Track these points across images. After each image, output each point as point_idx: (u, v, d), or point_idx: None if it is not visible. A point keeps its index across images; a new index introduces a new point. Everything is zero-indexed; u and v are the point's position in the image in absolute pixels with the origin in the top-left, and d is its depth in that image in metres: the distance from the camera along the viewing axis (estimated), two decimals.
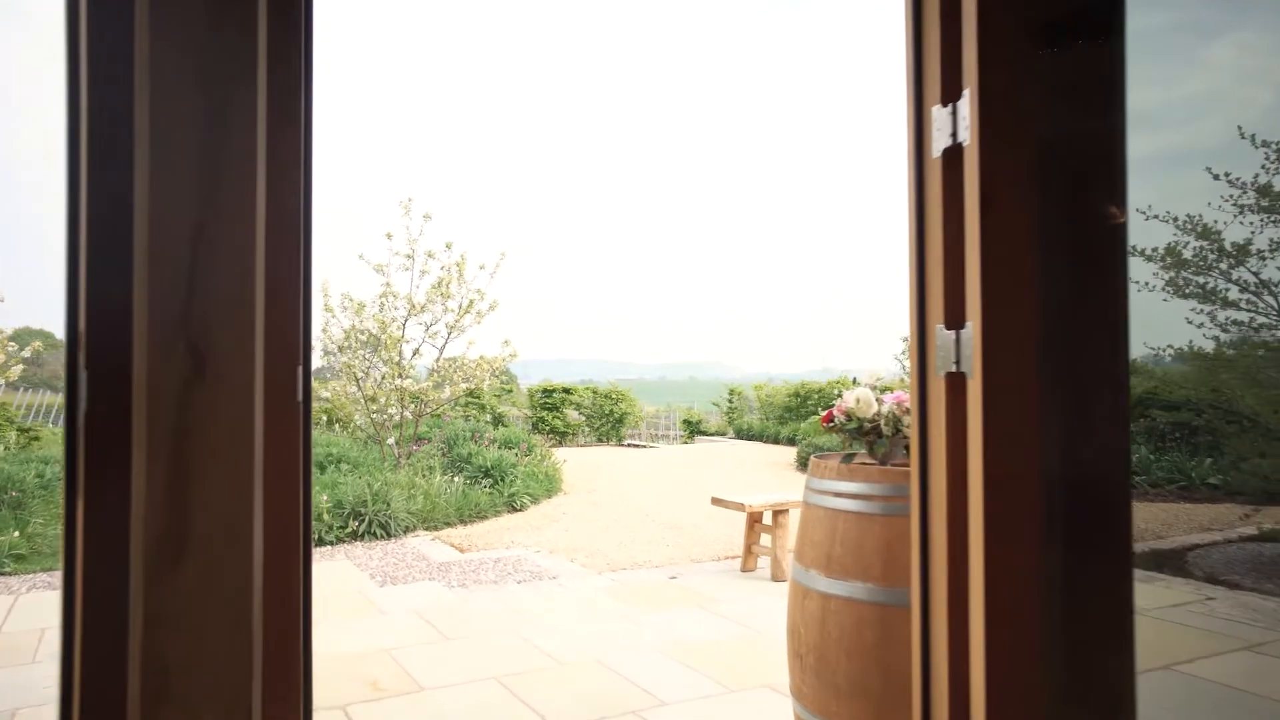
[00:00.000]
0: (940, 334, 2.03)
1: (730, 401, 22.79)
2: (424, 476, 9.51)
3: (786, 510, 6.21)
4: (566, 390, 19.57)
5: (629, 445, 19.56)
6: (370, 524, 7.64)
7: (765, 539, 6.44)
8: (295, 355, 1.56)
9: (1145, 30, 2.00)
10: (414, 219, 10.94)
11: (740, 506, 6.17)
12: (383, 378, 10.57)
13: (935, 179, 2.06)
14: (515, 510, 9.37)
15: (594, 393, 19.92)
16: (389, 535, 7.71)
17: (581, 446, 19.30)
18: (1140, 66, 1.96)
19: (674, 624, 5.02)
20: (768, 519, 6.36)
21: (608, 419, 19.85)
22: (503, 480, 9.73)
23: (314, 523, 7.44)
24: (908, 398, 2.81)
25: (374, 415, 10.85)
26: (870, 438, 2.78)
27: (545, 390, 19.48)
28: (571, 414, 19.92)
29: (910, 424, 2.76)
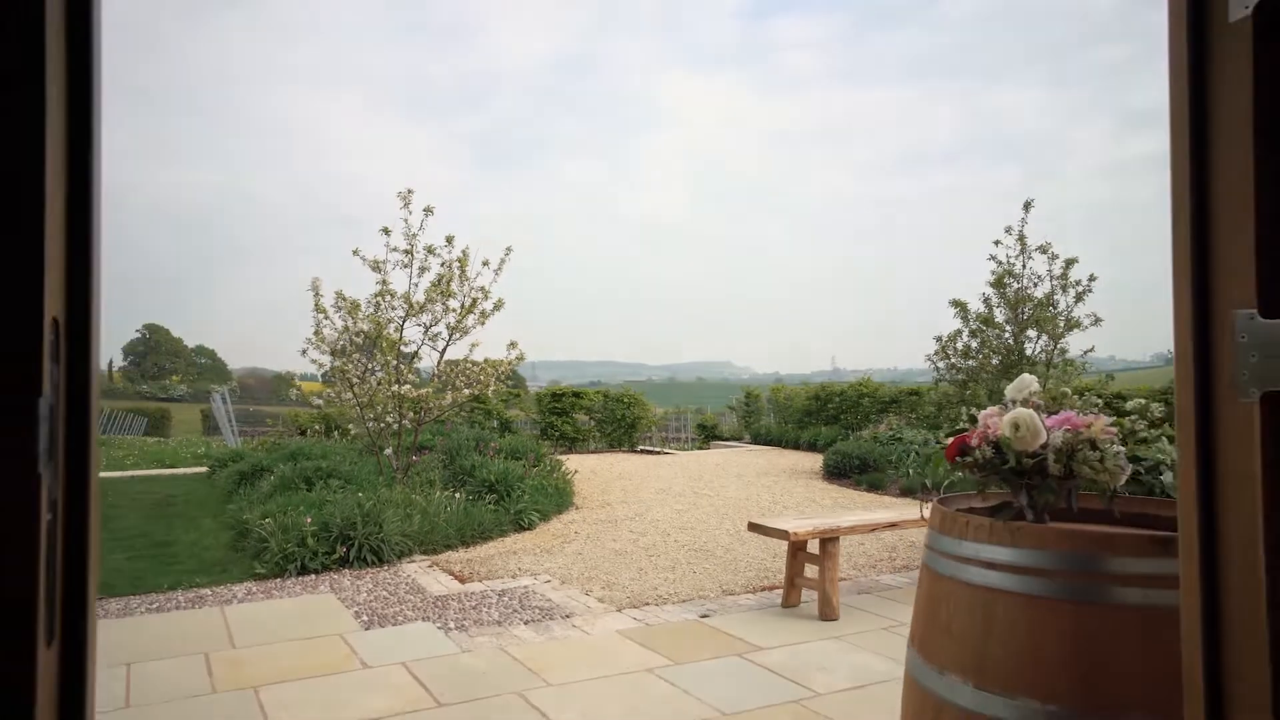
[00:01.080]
0: (1248, 325, 1.18)
1: (747, 404, 21.92)
2: (422, 492, 8.68)
3: (836, 538, 5.34)
4: (576, 394, 18.73)
5: (641, 451, 18.71)
6: (360, 549, 6.81)
7: (810, 569, 5.59)
8: (30, 374, 0.71)
9: None
10: (414, 213, 10.11)
11: (784, 534, 5.30)
12: (379, 383, 9.74)
13: (1235, 59, 1.20)
14: (522, 529, 8.53)
15: (605, 396, 19.07)
16: (381, 561, 6.87)
17: (592, 452, 18.46)
18: None
19: (713, 683, 4.16)
20: (813, 547, 5.51)
21: (619, 424, 19.00)
22: (509, 495, 8.88)
23: (298, 549, 6.63)
24: (1083, 421, 1.95)
25: (370, 424, 10.04)
26: (1032, 480, 1.93)
27: (554, 394, 18.65)
28: (582, 419, 19.08)
29: (1087, 460, 1.90)
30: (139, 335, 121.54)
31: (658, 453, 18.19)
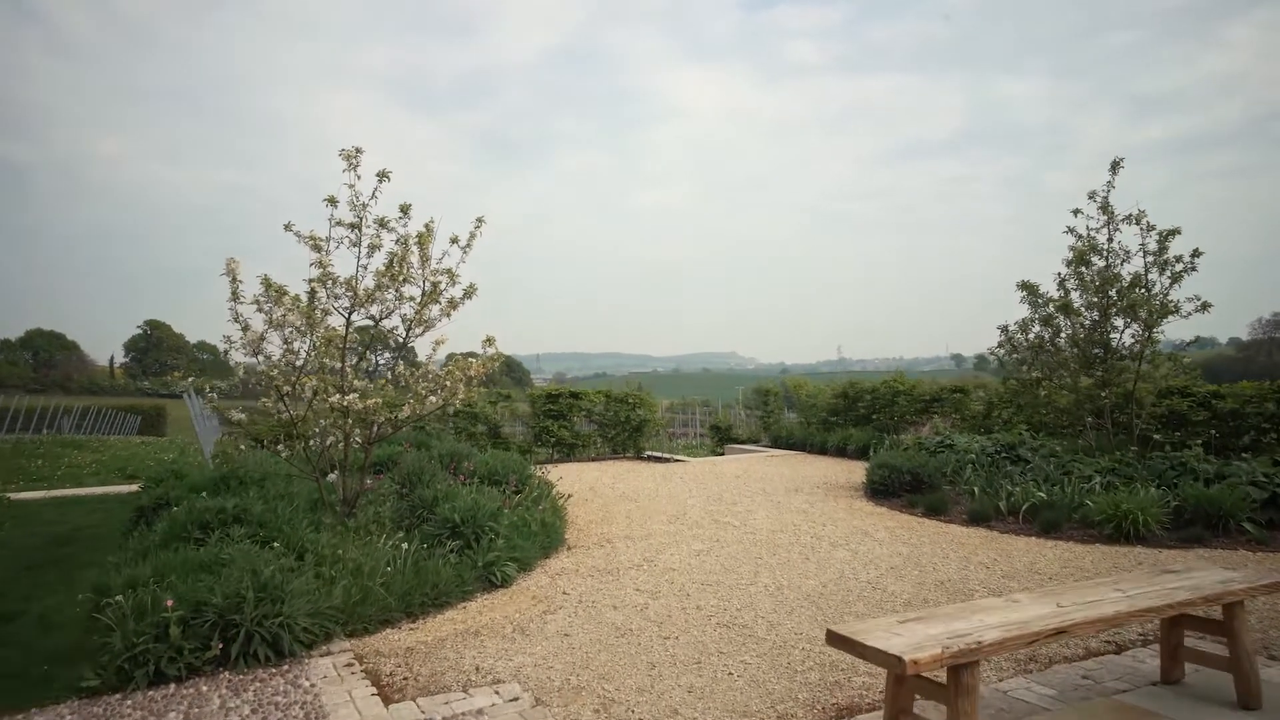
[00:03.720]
0: None
1: (766, 404, 19.79)
2: (363, 539, 6.63)
3: (976, 661, 3.24)
4: (574, 395, 16.63)
5: (649, 458, 16.63)
6: (249, 640, 4.74)
7: (926, 704, 3.50)
8: None
9: None
10: (365, 178, 8.01)
11: (891, 660, 3.17)
12: (315, 392, 7.67)
13: None
14: (494, 586, 6.45)
15: (607, 397, 16.96)
16: (280, 656, 4.80)
17: (593, 460, 16.39)
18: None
19: None
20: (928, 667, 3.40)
21: (623, 427, 16.91)
22: (477, 540, 6.80)
23: (154, 644, 4.55)
24: None
25: (314, 440, 7.99)
26: None
27: (549, 395, 16.56)
28: (581, 422, 17.00)
29: None
30: (140, 331, 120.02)
31: (667, 460, 16.11)
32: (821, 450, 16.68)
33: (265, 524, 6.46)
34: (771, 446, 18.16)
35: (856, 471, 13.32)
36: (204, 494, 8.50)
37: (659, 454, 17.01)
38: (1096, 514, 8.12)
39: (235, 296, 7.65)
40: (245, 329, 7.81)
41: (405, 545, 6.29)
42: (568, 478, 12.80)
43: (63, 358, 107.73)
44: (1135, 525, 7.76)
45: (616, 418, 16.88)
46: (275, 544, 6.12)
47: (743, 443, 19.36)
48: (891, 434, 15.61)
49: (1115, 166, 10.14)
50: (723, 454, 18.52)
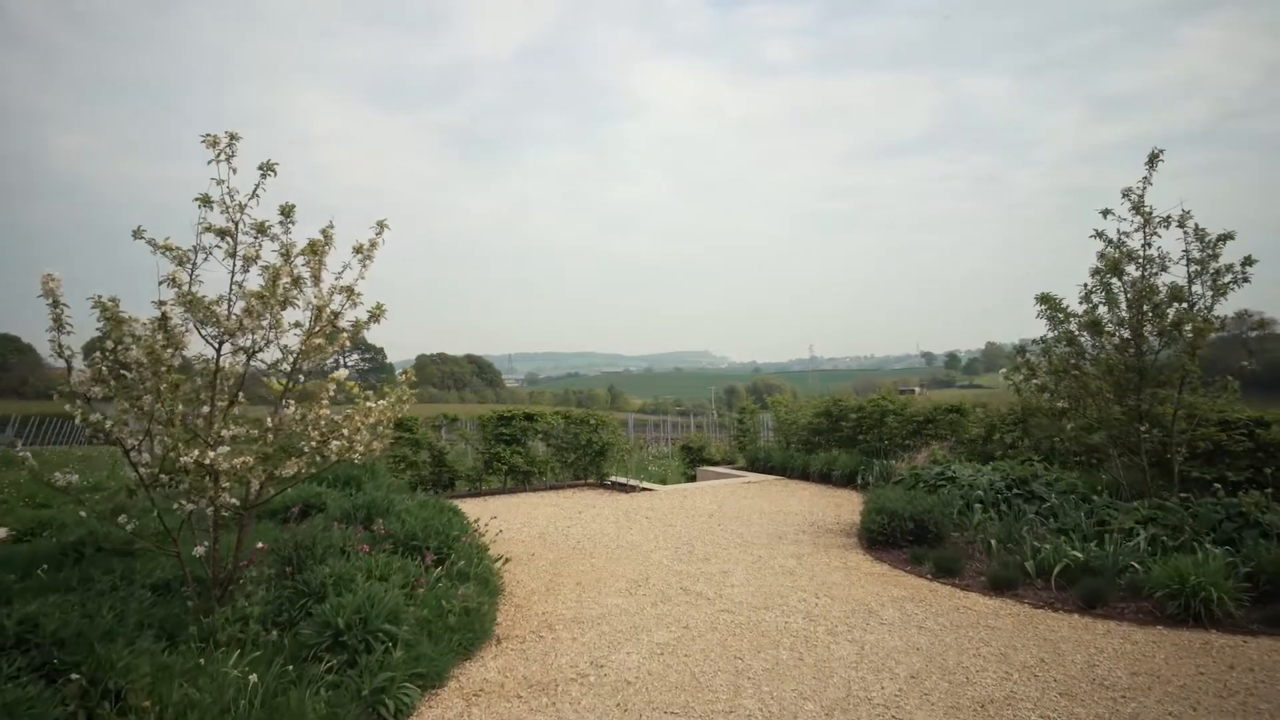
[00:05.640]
0: None
1: (741, 423, 18.21)
2: (214, 652, 4.92)
3: None
4: (529, 417, 14.93)
5: (613, 486, 14.98)
6: None
7: None
8: None
9: None
10: (244, 169, 6.29)
11: None
12: (167, 449, 5.94)
13: None
14: None
15: (565, 419, 15.28)
16: None
17: (551, 488, 14.73)
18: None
19: None
20: None
21: (584, 451, 15.25)
22: (368, 651, 5.11)
23: None
24: None
25: (177, 507, 6.24)
26: None
27: (502, 417, 14.83)
28: (537, 446, 15.33)
29: None
30: (99, 332, 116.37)
31: (633, 489, 14.46)
32: (803, 475, 15.12)
33: (66, 643, 4.71)
34: (748, 469, 16.58)
35: (845, 506, 11.80)
36: (43, 568, 6.79)
37: (624, 481, 15.35)
38: (1153, 586, 6.59)
39: (58, 325, 5.89)
40: (57, 352, 6.08)
41: (254, 677, 4.56)
42: (516, 519, 11.13)
43: (17, 361, 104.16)
44: (1207, 603, 6.23)
45: (577, 440, 15.22)
46: (77, 674, 4.43)
47: (716, 464, 17.77)
48: (881, 459, 14.09)
49: (1154, 160, 8.63)
50: (695, 477, 16.93)
